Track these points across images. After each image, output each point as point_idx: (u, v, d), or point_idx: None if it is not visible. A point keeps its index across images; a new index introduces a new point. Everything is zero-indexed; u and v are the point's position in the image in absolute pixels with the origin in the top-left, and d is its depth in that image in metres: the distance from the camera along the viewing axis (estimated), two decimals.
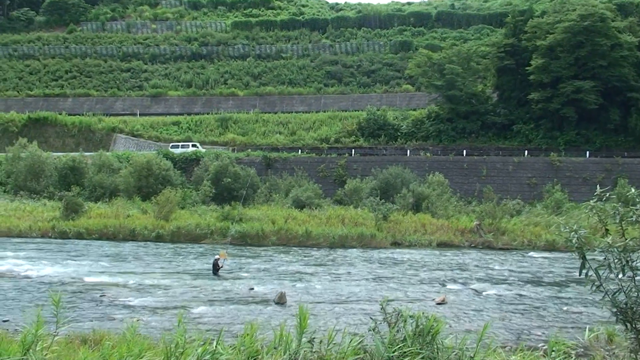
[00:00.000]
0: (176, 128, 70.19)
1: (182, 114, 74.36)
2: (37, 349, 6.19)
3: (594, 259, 6.63)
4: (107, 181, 50.92)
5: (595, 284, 6.53)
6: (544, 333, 15.00)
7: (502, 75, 64.36)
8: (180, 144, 63.64)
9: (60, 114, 73.22)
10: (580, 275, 6.55)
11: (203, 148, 62.31)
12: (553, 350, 6.90)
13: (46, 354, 6.31)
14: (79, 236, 35.87)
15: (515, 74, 62.99)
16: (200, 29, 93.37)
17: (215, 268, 24.05)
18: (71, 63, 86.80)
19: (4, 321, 14.99)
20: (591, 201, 6.66)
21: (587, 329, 9.07)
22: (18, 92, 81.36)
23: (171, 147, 62.32)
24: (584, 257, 6.51)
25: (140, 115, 75.17)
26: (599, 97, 56.13)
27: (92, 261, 27.04)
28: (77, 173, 52.42)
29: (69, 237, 35.66)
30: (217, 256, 24.65)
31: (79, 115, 74.08)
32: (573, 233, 6.53)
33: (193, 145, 62.72)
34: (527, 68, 59.30)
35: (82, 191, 46.59)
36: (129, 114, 76.02)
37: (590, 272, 6.53)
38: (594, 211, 6.61)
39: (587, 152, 56.14)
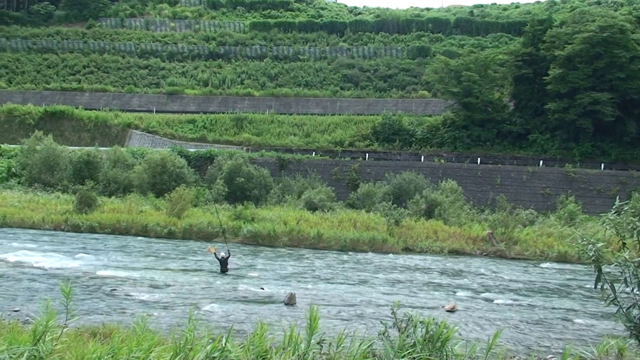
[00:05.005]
0: (191, 126, 70.45)
1: (197, 113, 74.59)
2: (47, 339, 6.21)
3: (608, 272, 6.57)
4: (121, 176, 51.08)
5: (610, 297, 6.47)
6: (552, 344, 14.90)
7: (519, 84, 64.14)
8: None
9: (76, 108, 73.67)
10: (595, 288, 6.49)
11: None
12: None
13: (56, 345, 6.32)
14: (92, 230, 36.03)
15: (533, 83, 62.73)
16: (219, 29, 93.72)
17: (224, 266, 24.03)
18: (89, 58, 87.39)
19: (15, 311, 15.08)
20: (609, 214, 6.59)
21: (604, 342, 8.97)
22: (36, 85, 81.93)
23: None
24: (599, 270, 6.44)
25: (156, 112, 75.52)
26: (616, 109, 55.76)
27: (103, 255, 27.18)
28: (92, 167, 52.61)
29: (81, 231, 35.83)
30: (222, 253, 24.52)
31: (96, 110, 74.53)
32: (590, 246, 6.47)
33: None
34: (544, 78, 59.01)
35: (96, 185, 46.77)
36: (145, 110, 76.38)
37: (606, 286, 6.47)
38: (612, 224, 6.54)
39: (602, 164, 55.72)
